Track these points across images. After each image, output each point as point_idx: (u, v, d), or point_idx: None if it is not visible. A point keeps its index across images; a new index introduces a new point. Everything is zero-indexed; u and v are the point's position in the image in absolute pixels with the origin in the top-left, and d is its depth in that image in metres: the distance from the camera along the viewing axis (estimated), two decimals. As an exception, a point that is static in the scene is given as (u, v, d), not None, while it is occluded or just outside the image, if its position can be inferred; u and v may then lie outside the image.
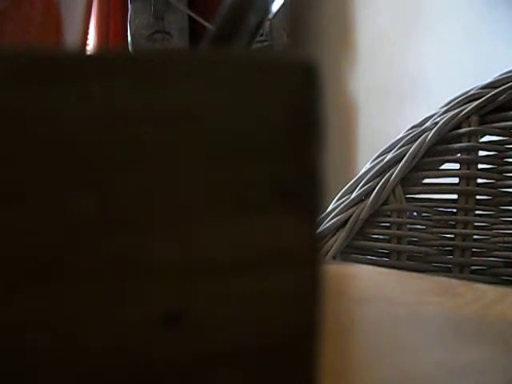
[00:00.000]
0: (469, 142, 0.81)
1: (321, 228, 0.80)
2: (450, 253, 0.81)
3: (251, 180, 0.15)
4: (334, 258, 0.79)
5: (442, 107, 0.83)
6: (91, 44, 1.98)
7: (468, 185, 0.82)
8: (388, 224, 0.81)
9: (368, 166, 0.82)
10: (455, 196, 0.82)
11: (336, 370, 0.21)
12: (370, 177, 0.81)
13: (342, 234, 0.79)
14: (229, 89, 0.15)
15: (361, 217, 0.80)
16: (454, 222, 0.82)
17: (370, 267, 0.53)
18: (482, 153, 0.82)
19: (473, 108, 0.81)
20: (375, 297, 0.34)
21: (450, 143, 0.82)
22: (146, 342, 0.15)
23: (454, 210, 0.82)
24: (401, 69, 1.74)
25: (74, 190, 0.14)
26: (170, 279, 0.15)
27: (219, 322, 0.15)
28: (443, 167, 0.83)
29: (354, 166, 1.82)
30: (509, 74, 0.81)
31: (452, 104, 0.82)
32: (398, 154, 0.81)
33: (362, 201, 0.81)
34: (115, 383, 0.15)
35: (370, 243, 0.81)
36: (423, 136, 0.81)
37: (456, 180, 0.83)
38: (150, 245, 0.15)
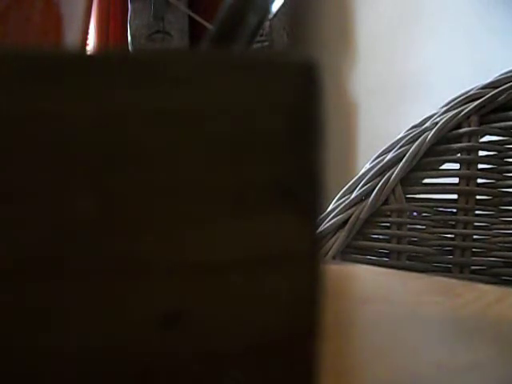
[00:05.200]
0: (469, 142, 0.81)
1: (321, 228, 0.80)
2: (450, 253, 0.81)
3: (251, 180, 0.15)
4: (334, 258, 0.79)
5: (442, 107, 0.83)
6: (91, 44, 1.98)
7: (468, 185, 0.82)
8: (388, 224, 0.81)
9: (368, 166, 0.82)
10: (455, 196, 0.82)
11: (336, 369, 0.21)
12: (370, 177, 0.81)
13: (342, 234, 0.79)
14: (229, 89, 0.15)
15: (361, 217, 0.80)
16: (453, 222, 0.82)
17: (370, 267, 0.53)
18: (482, 153, 0.82)
19: (473, 108, 0.81)
20: (375, 297, 0.34)
21: (450, 143, 0.82)
22: (145, 341, 0.15)
23: (454, 210, 0.82)
24: (401, 69, 1.74)
25: (73, 190, 0.14)
26: (169, 279, 0.15)
27: (219, 322, 0.15)
28: (443, 167, 0.83)
29: (354, 166, 1.82)
30: (509, 74, 0.81)
31: (452, 104, 0.82)
32: (397, 154, 0.81)
33: (361, 201, 0.81)
34: (115, 383, 0.15)
35: (370, 243, 0.81)
36: (423, 136, 0.81)
37: (456, 180, 0.83)
38: (149, 245, 0.15)
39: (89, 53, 0.14)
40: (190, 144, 0.15)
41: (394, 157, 0.81)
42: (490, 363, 0.23)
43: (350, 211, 0.80)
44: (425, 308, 0.31)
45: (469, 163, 0.82)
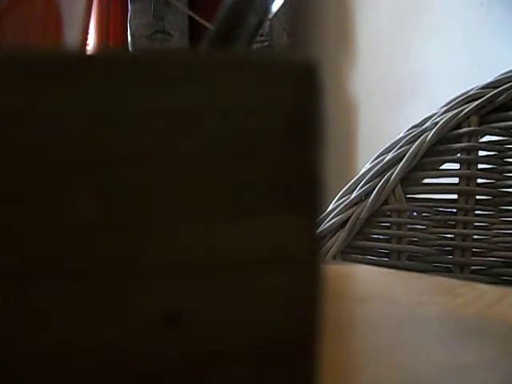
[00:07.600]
0: (469, 141, 0.81)
1: (321, 228, 0.80)
2: (450, 253, 0.81)
3: (251, 180, 0.15)
4: (334, 257, 0.79)
5: (442, 107, 0.83)
6: (91, 44, 1.98)
7: (468, 185, 0.82)
8: (388, 224, 0.81)
9: (368, 166, 0.82)
10: (455, 196, 0.82)
11: (336, 369, 0.21)
12: (370, 177, 0.81)
13: (342, 234, 0.79)
14: (229, 89, 0.15)
15: (361, 217, 0.80)
16: (453, 222, 0.82)
17: (370, 267, 0.53)
18: (482, 153, 0.82)
19: (473, 108, 0.81)
20: (375, 297, 0.34)
21: (450, 143, 0.82)
22: (145, 341, 0.15)
23: (454, 210, 0.82)
24: (401, 69, 1.74)
25: (74, 190, 0.14)
26: (169, 279, 0.15)
27: (219, 322, 0.15)
28: (443, 167, 0.83)
29: (354, 166, 1.82)
30: (509, 74, 0.81)
31: (452, 104, 0.82)
32: (397, 154, 0.81)
33: (361, 201, 0.81)
34: (115, 383, 0.15)
35: (370, 243, 0.81)
36: (423, 136, 0.81)
37: (456, 180, 0.83)
38: (149, 245, 0.15)
39: (89, 53, 0.14)
40: (189, 144, 0.15)
41: (393, 157, 0.81)
42: (490, 363, 0.23)
43: (349, 211, 0.80)
44: (425, 308, 0.31)
45: (469, 163, 0.82)
